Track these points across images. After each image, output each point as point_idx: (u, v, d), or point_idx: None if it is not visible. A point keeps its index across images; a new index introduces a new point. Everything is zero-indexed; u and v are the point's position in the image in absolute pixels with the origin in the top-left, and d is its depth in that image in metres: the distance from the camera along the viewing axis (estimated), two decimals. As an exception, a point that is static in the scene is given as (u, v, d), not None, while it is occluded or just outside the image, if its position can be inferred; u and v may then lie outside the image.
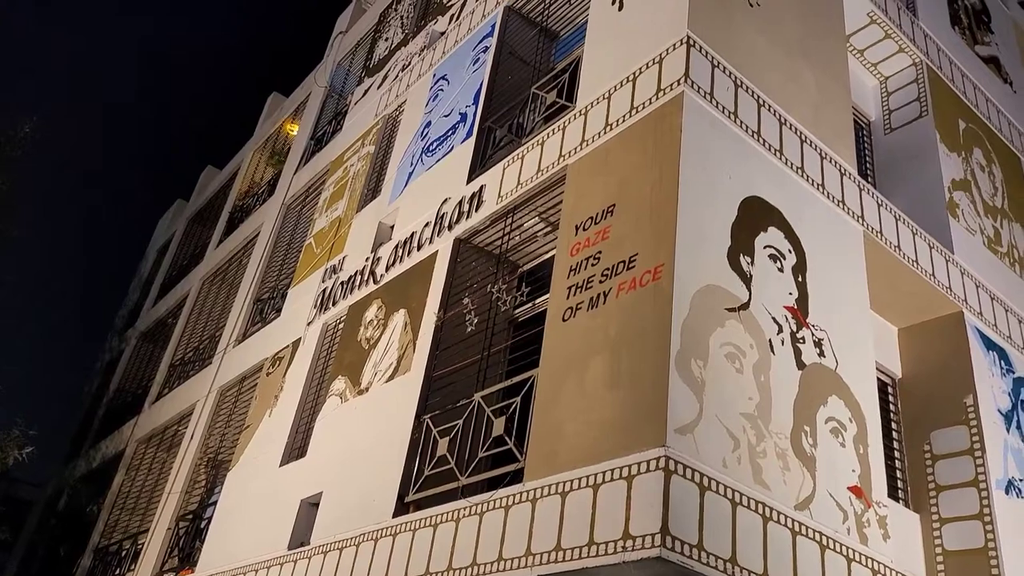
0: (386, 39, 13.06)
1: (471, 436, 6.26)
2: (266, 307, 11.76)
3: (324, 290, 9.91)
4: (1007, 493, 6.73)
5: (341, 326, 9.17)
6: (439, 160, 8.92)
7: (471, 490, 5.89)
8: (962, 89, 9.41)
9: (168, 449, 12.71)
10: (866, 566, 5.23)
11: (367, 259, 9.23)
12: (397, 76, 11.50)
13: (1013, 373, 7.61)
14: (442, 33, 10.81)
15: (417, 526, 5.99)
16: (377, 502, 6.63)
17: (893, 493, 6.82)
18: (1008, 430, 7.13)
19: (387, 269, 8.69)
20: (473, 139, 8.47)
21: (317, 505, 7.57)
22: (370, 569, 6.22)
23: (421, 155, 9.42)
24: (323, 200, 11.71)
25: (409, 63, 11.34)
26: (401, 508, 6.43)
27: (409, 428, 6.83)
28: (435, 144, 9.24)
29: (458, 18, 10.52)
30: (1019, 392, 7.52)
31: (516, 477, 5.48)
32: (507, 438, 5.87)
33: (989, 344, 7.54)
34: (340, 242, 10.24)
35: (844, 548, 5.16)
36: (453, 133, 8.97)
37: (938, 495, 6.87)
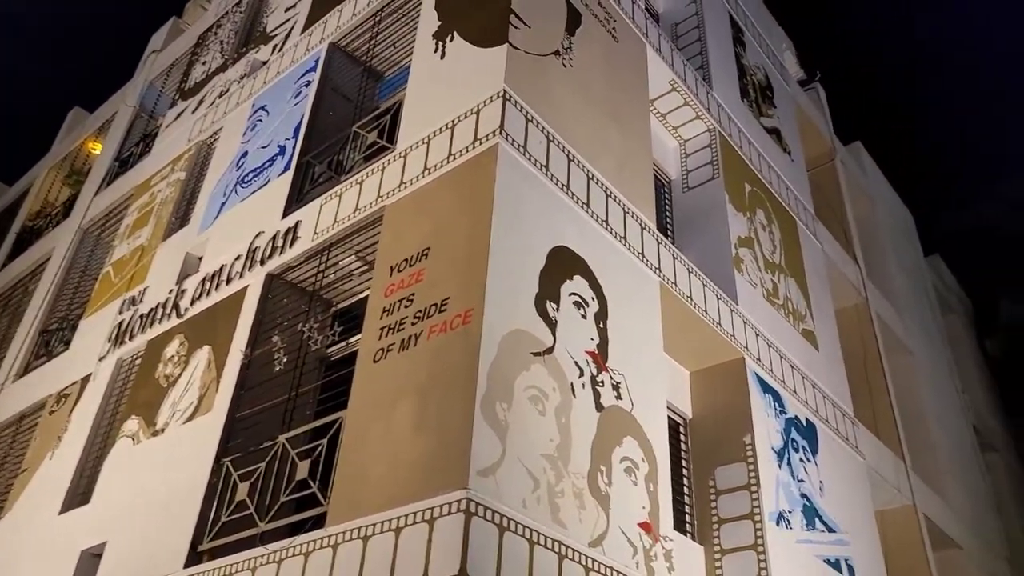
0: (204, 63, 12.59)
1: (274, 480, 6.07)
2: (53, 339, 10.81)
3: (121, 323, 9.28)
4: (778, 525, 7.39)
5: (138, 362, 8.61)
6: (254, 192, 8.67)
7: (271, 536, 5.69)
8: (748, 156, 10.42)
9: (-74, 496, 11.27)
10: (652, 598, 5.56)
11: (171, 291, 8.76)
12: (214, 102, 11.10)
13: (785, 414, 8.42)
14: (264, 62, 10.59)
15: (210, 576, 5.71)
16: (167, 552, 6.23)
17: (681, 527, 7.30)
18: (780, 466, 7.86)
19: (192, 303, 8.29)
20: (291, 173, 8.32)
21: (100, 556, 7.00)
22: (156, 624, 5.83)
23: (235, 186, 9.12)
24: (125, 226, 11.01)
25: (227, 90, 10.99)
26: (194, 557, 6.09)
27: (207, 471, 6.51)
28: (251, 175, 8.99)
29: (281, 49, 10.36)
30: (790, 431, 8.33)
31: (319, 522, 5.37)
32: (311, 482, 5.75)
33: (765, 387, 8.31)
34: (142, 272, 9.66)
35: (633, 582, 5.46)
36: (270, 165, 8.77)
37: (720, 527, 7.43)
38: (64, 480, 8.21)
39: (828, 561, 7.95)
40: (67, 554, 7.31)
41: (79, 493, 8.03)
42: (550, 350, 5.80)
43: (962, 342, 17.43)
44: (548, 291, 6.05)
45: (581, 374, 6.00)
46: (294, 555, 5.21)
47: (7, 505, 8.90)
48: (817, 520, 8.06)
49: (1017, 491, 16.88)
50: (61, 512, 7.94)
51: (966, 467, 13.82)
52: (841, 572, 8.06)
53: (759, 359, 8.48)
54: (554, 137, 6.81)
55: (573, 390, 5.83)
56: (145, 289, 9.34)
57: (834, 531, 8.27)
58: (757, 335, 8.66)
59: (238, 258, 8.07)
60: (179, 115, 11.96)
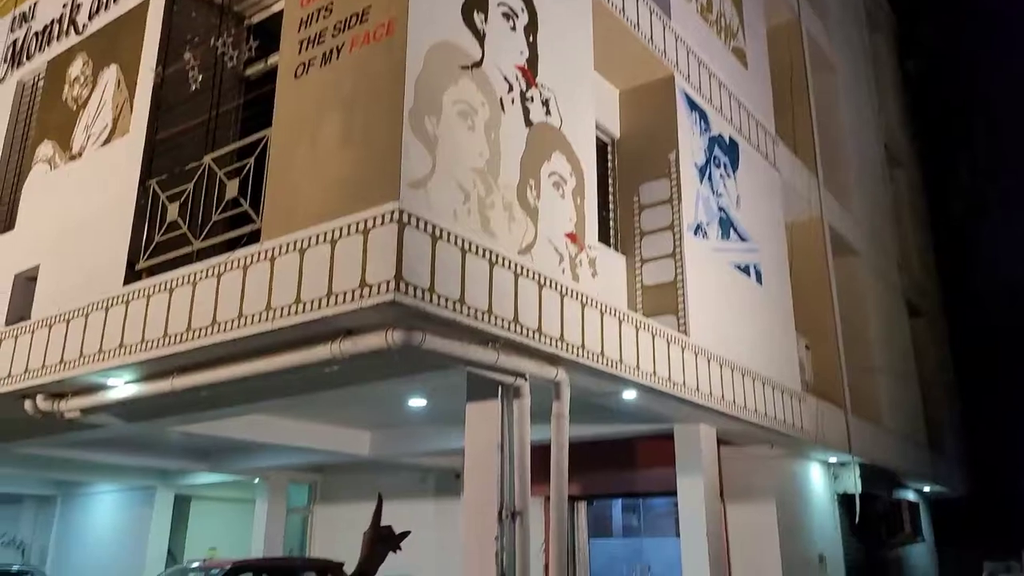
0: None
1: (204, 200, 6.05)
2: (-60, 61, 9.95)
3: (15, 42, 8.56)
4: (695, 235, 7.86)
5: (41, 84, 8.08)
6: None
7: (207, 254, 5.79)
8: None
9: None
10: (576, 299, 6.00)
11: (64, 5, 8.01)
12: None
13: (710, 132, 8.60)
14: None
15: (151, 292, 5.85)
16: (104, 271, 6.33)
17: (605, 239, 7.69)
18: (701, 182, 8.18)
19: (90, 17, 7.64)
20: None
21: (35, 279, 7.07)
22: (103, 336, 6.06)
23: None
24: (-1, -71, 9.74)
25: None
26: (132, 276, 6.21)
27: (133, 194, 6.44)
28: None
29: None
30: (712, 149, 8.56)
31: (253, 238, 5.46)
32: (242, 200, 5.76)
33: (693, 105, 8.38)
34: (28, -17, 8.74)
35: (558, 286, 5.84)
36: None
37: (642, 239, 7.86)
38: (-17, 208, 8.04)
39: (739, 267, 8.60)
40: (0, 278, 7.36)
41: (2, 221, 7.90)
42: (478, 63, 5.65)
43: (884, 60, 17.60)
44: (475, 0, 5.75)
45: (510, 89, 5.92)
46: (232, 269, 5.36)
47: (-73, 235, 8.72)
48: (732, 231, 8.59)
49: (915, 203, 18.12)
50: (-14, 239, 7.87)
51: (873, 181, 14.63)
52: (749, 275, 8.77)
53: (688, 77, 8.45)
54: None
55: (502, 105, 5.78)
56: (35, 3, 8.51)
57: (746, 240, 8.86)
58: (688, 52, 8.55)
59: (135, -35, 7.33)
60: None
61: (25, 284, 7.13)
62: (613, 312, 6.43)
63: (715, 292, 8.01)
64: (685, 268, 7.54)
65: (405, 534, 1.94)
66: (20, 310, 7.03)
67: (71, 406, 6.80)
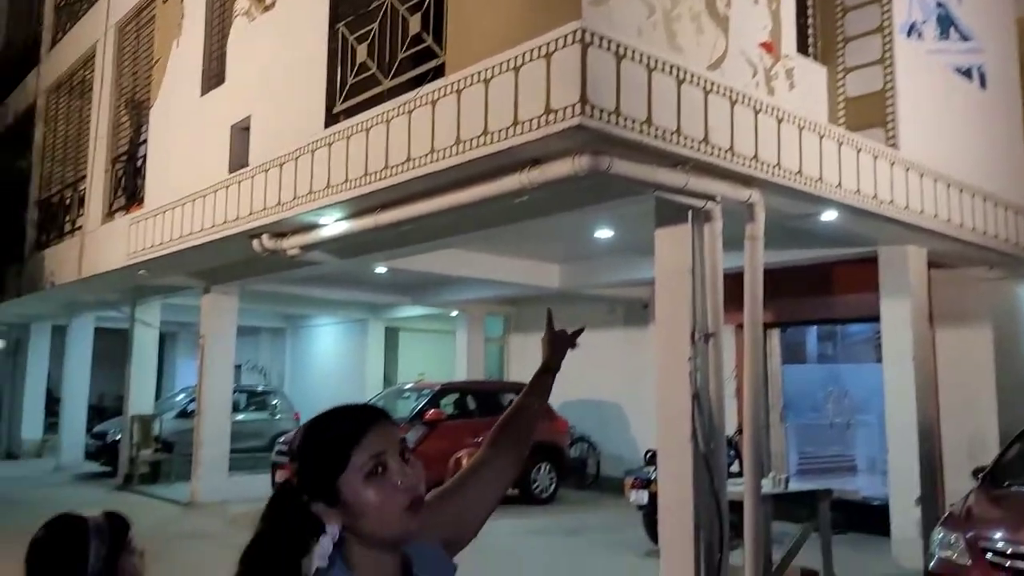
0: None
1: (388, 38, 6.16)
2: (141, -74, 10.51)
3: None
4: (908, 36, 7.02)
5: (230, -63, 8.36)
6: None
7: (396, 92, 5.95)
8: None
9: (81, 96, 12.25)
10: (771, 115, 5.63)
11: None
12: None
13: (930, -88, 7.45)
14: None
15: (350, 133, 6.16)
16: (306, 116, 6.71)
17: (803, 48, 7.05)
18: (917, -26, 7.20)
19: None
20: None
21: (248, 129, 7.63)
22: (312, 178, 6.52)
23: None
24: None
25: None
26: (331, 119, 6.53)
27: (325, 39, 6.66)
28: None
29: None
30: (933, -68, 7.45)
31: (439, 72, 5.53)
32: (425, 35, 5.80)
33: None
34: None
35: (752, 101, 5.50)
36: None
37: (845, 46, 7.14)
38: (196, 64, 8.66)
39: (959, 70, 7.66)
40: (219, 130, 8.01)
41: (213, 75, 8.49)
42: None
43: None
44: None
45: None
46: (422, 105, 5.49)
47: (152, 94, 9.59)
48: (951, 29, 7.59)
49: None
50: (203, 94, 8.52)
51: None
52: (972, 79, 7.81)
53: None
54: None
55: (687, -96, 5.30)
56: None
57: (968, 39, 7.82)
58: None
59: None
60: None
61: (241, 134, 7.73)
62: (812, 127, 6.00)
63: (930, 100, 7.23)
64: (896, 75, 6.81)
65: (580, 331, 2.03)
66: (240, 158, 7.68)
67: (291, 243, 7.48)
